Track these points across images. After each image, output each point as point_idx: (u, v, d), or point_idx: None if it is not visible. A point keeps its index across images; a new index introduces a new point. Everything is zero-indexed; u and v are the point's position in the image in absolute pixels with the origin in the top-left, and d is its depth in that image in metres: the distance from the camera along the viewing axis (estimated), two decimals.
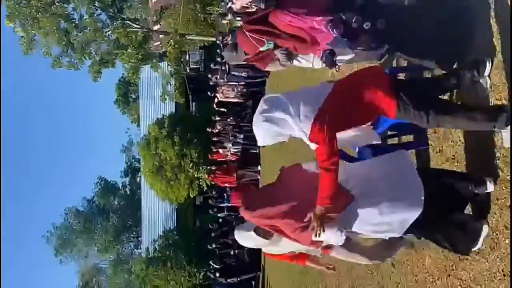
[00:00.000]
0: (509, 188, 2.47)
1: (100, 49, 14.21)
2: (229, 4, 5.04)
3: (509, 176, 2.48)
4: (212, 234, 13.42)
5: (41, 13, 12.47)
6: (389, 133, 3.62)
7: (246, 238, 2.76)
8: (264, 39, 3.23)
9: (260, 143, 2.52)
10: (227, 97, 12.86)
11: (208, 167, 13.78)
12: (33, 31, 12.89)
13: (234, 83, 12.13)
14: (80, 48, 13.50)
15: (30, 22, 12.68)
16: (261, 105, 2.43)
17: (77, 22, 13.37)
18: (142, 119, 22.13)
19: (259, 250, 11.96)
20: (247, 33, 3.17)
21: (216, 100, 13.12)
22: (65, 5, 12.96)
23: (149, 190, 17.62)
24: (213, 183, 13.86)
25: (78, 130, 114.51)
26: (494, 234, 2.56)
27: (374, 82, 2.40)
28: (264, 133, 2.43)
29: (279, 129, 2.39)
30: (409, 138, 3.68)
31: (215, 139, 13.04)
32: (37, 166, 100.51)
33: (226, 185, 13.03)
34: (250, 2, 3.87)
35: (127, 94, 32.16)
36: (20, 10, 12.41)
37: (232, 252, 12.08)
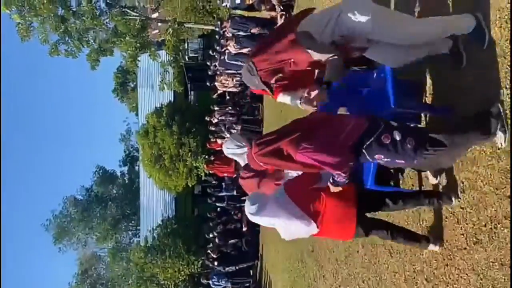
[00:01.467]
0: (509, 178, 2.46)
1: (98, 37, 14.07)
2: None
3: (509, 166, 2.47)
4: (211, 223, 13.46)
5: (38, 0, 12.32)
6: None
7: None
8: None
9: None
10: (226, 87, 12.80)
11: (206, 157, 13.77)
12: (29, 18, 12.75)
13: (233, 71, 12.05)
14: (78, 36, 13.36)
15: (27, 8, 12.52)
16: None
17: (74, 9, 13.20)
18: (141, 108, 22.05)
19: (258, 239, 11.92)
20: (258, 161, 2.76)
21: (217, 91, 13.06)
22: None
23: (148, 179, 17.62)
24: (211, 172, 13.87)
25: (76, 119, 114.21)
26: (493, 224, 2.56)
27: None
28: None
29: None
30: None
31: (213, 128, 13.00)
32: (36, 155, 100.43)
33: (225, 175, 13.04)
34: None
35: (125, 82, 32.05)
36: None
37: (230, 241, 12.13)
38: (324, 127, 2.66)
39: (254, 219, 2.97)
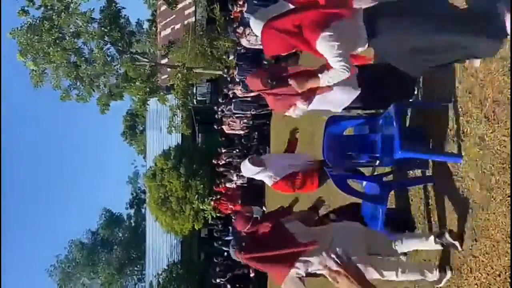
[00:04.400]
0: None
1: (108, 82, 14.41)
2: None
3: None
4: (217, 268, 13.20)
5: (52, 48, 12.75)
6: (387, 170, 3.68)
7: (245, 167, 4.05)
8: None
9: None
10: (233, 129, 12.94)
11: (213, 199, 13.72)
12: (43, 65, 13.15)
13: (240, 114, 12.23)
14: (89, 81, 13.71)
15: (42, 56, 12.94)
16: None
17: (87, 56, 13.63)
18: (149, 150, 22.21)
19: (265, 285, 11.62)
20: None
21: (224, 133, 13.21)
22: (76, 39, 13.24)
23: (154, 222, 17.48)
24: (218, 214, 13.76)
25: (84, 162, 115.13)
26: (507, 273, 2.48)
27: None
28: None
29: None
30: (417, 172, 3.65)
31: (221, 169, 13.03)
32: (43, 198, 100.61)
33: (229, 212, 12.94)
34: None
35: (134, 126, 32.43)
36: (33, 45, 12.71)
37: (237, 286, 11.84)
38: None
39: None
